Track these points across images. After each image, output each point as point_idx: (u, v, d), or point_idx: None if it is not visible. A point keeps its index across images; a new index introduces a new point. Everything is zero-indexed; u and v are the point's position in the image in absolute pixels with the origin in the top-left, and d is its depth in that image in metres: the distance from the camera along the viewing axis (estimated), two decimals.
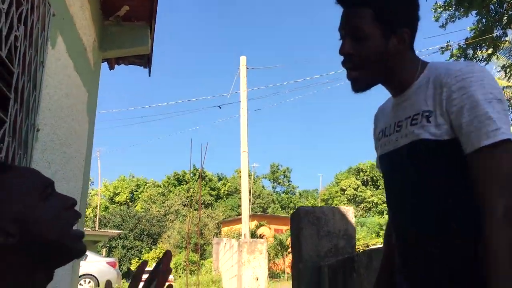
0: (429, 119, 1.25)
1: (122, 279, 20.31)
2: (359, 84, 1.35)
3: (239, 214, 39.69)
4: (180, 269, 23.39)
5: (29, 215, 0.95)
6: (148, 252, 33.00)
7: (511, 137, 1.15)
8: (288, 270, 26.30)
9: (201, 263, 23.19)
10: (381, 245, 3.04)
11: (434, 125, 1.24)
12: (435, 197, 1.26)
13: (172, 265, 24.06)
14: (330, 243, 4.28)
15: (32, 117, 2.89)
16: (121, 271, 23.34)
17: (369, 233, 37.09)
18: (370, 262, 2.91)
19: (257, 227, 24.53)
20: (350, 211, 4.45)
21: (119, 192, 50.14)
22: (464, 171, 1.21)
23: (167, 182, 50.62)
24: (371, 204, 55.37)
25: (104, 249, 28.57)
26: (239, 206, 45.97)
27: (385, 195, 1.53)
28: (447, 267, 1.24)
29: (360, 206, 55.15)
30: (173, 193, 45.81)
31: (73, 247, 1.01)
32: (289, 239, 26.77)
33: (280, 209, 54.22)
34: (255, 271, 9.25)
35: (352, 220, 4.42)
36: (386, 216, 45.41)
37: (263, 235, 26.46)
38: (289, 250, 26.60)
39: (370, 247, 25.60)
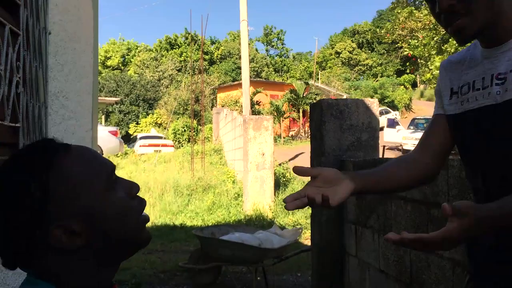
0: None
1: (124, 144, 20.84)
2: (467, 32, 1.19)
3: (234, 79, 39.47)
4: (179, 134, 23.82)
5: (96, 210, 0.81)
6: (145, 117, 33.45)
7: None
8: (284, 134, 27.02)
9: (198, 129, 23.61)
10: None
11: None
12: None
13: (171, 130, 24.45)
14: (353, 136, 4.20)
15: (43, 19, 2.55)
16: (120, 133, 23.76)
17: (363, 96, 37.47)
18: None
19: (254, 94, 24.54)
20: (374, 103, 4.31)
21: (110, 56, 49.12)
22: None
23: (159, 46, 49.42)
24: (365, 67, 55.05)
25: (102, 116, 28.87)
26: (233, 70, 45.57)
27: (462, 151, 1.40)
28: None
29: (354, 69, 54.93)
30: (166, 57, 44.97)
31: (142, 239, 0.89)
32: (285, 105, 27.03)
33: (274, 72, 53.93)
34: (261, 147, 9.39)
35: (376, 112, 4.30)
36: (380, 79, 45.52)
37: (260, 101, 26.65)
38: (285, 115, 27.01)
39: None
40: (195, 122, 22.50)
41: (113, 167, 0.88)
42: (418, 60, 19.70)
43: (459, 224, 0.98)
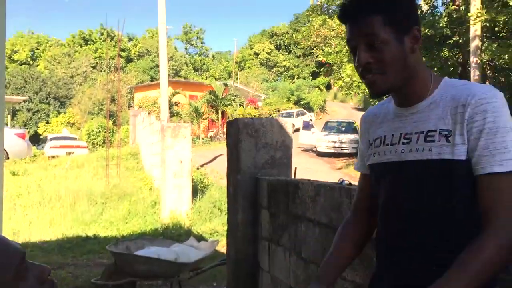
0: (449, 139, 1.27)
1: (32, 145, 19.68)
2: (379, 87, 1.34)
3: (153, 78, 38.69)
4: (93, 135, 22.96)
5: None
6: (56, 116, 31.85)
7: None
8: (203, 135, 27.01)
9: (114, 130, 22.89)
10: (330, 182, 3.11)
11: (453, 144, 1.27)
12: (459, 221, 1.31)
13: (84, 131, 23.49)
14: (267, 155, 4.33)
15: None
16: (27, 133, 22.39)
17: (281, 97, 38.35)
18: (318, 196, 3.00)
19: (173, 95, 24.27)
20: (288, 123, 4.48)
21: (17, 50, 46.12)
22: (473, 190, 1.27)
23: (72, 41, 47.17)
24: (283, 68, 56.38)
25: (8, 115, 27.08)
26: (151, 68, 44.66)
27: (378, 201, 1.53)
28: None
29: (272, 70, 56.05)
30: (79, 53, 43.04)
31: None
32: (204, 106, 27.01)
33: (193, 71, 53.62)
34: (179, 155, 9.35)
35: (290, 131, 4.47)
36: (296, 81, 46.87)
37: (179, 102, 26.40)
38: (204, 116, 27.00)
39: (281, 111, 26.47)
40: (110, 123, 21.81)
41: (22, 255, 0.88)
42: (331, 66, 20.61)
43: None
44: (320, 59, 22.44)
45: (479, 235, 1.20)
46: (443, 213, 1.31)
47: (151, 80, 35.54)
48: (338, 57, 18.05)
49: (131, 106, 29.81)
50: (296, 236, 3.36)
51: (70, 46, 45.83)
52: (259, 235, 4.17)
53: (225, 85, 29.00)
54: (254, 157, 4.30)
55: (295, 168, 3.76)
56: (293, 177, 3.74)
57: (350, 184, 2.71)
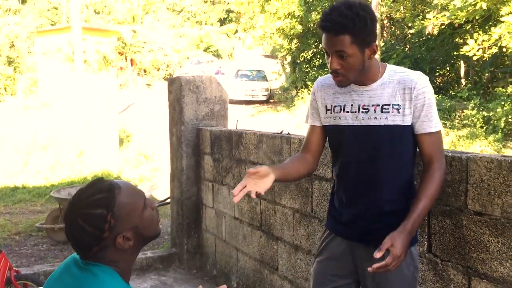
0: (399, 111, 1.84)
1: None
2: (344, 83, 1.87)
3: (54, 22, 36.21)
4: None
5: (139, 224, 1.39)
6: None
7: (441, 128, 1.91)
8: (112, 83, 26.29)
9: (14, 77, 21.64)
10: (271, 132, 3.80)
11: (402, 114, 1.84)
12: (404, 164, 1.91)
13: None
14: (207, 108, 4.94)
15: None
16: None
17: (190, 44, 37.89)
18: (261, 143, 3.68)
19: None
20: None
21: None
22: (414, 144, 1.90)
23: None
24: (190, 13, 55.16)
25: None
26: (48, 10, 41.48)
27: (334, 150, 2.08)
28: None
29: (179, 16, 54.64)
30: None
31: (158, 234, 1.50)
32: (111, 53, 26.19)
33: (94, 13, 50.63)
34: (103, 106, 9.52)
35: (225, 88, 5.09)
36: (204, 27, 46.34)
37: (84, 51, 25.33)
38: (114, 64, 26.27)
39: (190, 59, 25.97)
40: (11, 70, 20.61)
41: (144, 194, 1.46)
42: (242, 14, 20.93)
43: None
44: (231, 5, 22.59)
45: (428, 171, 1.82)
46: (393, 162, 1.88)
47: (52, 24, 33.30)
48: (250, 6, 18.35)
49: (29, 52, 27.98)
50: (240, 176, 4.06)
51: None
52: (202, 177, 4.84)
53: (134, 31, 28.21)
54: (195, 110, 4.90)
55: (237, 120, 4.41)
56: (235, 127, 4.40)
57: (289, 133, 3.42)
